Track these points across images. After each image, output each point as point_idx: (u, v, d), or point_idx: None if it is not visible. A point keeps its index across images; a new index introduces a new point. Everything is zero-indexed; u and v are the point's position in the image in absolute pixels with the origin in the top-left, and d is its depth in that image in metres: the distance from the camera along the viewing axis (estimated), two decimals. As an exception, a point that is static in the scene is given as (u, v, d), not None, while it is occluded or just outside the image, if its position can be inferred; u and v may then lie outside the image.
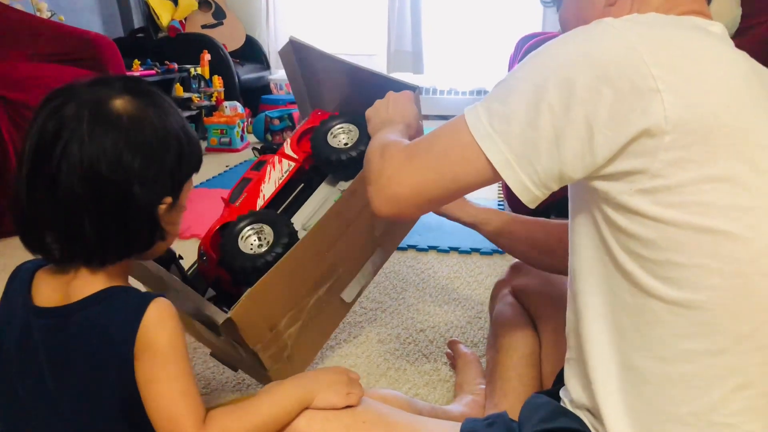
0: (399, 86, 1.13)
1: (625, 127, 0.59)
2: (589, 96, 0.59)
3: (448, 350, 1.33)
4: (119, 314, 0.67)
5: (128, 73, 2.94)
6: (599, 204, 0.65)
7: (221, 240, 1.16)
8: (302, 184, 1.30)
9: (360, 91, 1.27)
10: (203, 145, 3.67)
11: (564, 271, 0.76)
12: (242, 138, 3.61)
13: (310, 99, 1.44)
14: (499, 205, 2.46)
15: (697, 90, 0.59)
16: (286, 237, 1.12)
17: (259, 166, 1.29)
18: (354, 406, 0.78)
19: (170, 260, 1.13)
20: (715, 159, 0.58)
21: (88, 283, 0.68)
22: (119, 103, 0.66)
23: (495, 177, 0.66)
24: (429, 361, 1.32)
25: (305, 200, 1.29)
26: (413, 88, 1.12)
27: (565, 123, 0.61)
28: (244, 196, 1.23)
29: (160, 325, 0.67)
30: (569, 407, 0.74)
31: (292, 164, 1.24)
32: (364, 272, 1.22)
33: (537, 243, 1.06)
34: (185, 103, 3.69)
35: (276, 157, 1.27)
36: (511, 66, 2.96)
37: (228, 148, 3.52)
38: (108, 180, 0.64)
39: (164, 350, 0.67)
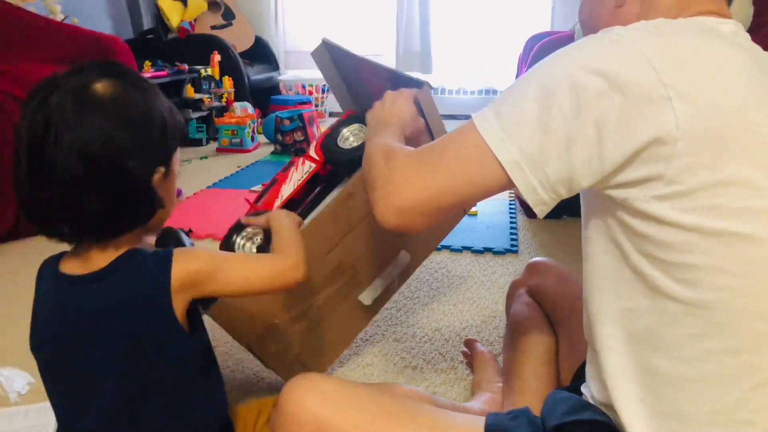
0: (408, 82, 1.12)
1: (635, 134, 0.59)
2: (600, 101, 0.60)
3: (465, 349, 1.34)
4: (147, 267, 0.73)
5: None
6: (614, 210, 0.65)
7: (221, 248, 1.19)
8: (322, 185, 1.30)
9: (381, 87, 1.29)
10: (213, 145, 3.69)
11: None
12: (253, 138, 3.63)
13: (354, 100, 1.44)
14: (510, 205, 2.46)
15: (707, 96, 0.60)
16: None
17: (287, 167, 1.30)
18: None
19: (172, 240, 1.16)
20: (727, 163, 0.59)
21: (109, 252, 0.73)
22: (100, 87, 0.70)
23: (507, 182, 0.66)
24: (445, 360, 1.33)
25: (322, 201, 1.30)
26: (420, 84, 1.10)
27: (575, 127, 0.61)
28: (266, 197, 1.24)
29: (189, 259, 0.74)
30: (592, 402, 0.74)
31: (313, 165, 1.25)
32: (385, 275, 1.22)
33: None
34: (196, 104, 3.72)
35: (301, 159, 1.28)
36: (520, 65, 2.96)
37: (239, 148, 3.55)
38: (102, 159, 0.68)
39: (210, 261, 0.75)
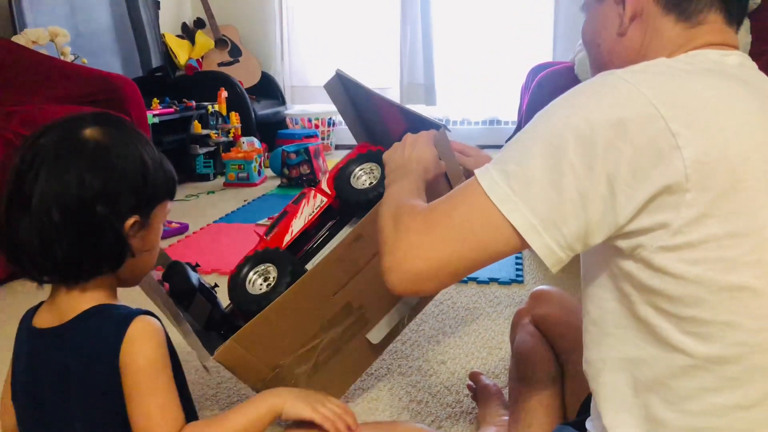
0: (425, 123, 1.10)
1: (646, 185, 0.58)
2: (610, 154, 0.58)
3: (470, 382, 1.32)
4: (104, 331, 0.72)
5: (148, 112, 3.01)
6: (618, 260, 0.63)
7: (230, 284, 1.17)
8: (334, 221, 1.28)
9: (405, 128, 1.26)
10: (221, 180, 3.73)
11: None
12: (259, 173, 3.67)
13: (365, 132, 1.44)
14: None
15: (717, 143, 0.58)
16: (290, 275, 1.12)
17: (299, 199, 1.29)
18: (320, 423, 0.80)
19: (194, 291, 1.15)
20: (737, 214, 0.58)
21: (76, 303, 0.74)
22: (88, 132, 0.72)
23: (519, 242, 0.62)
24: (451, 393, 1.32)
25: (331, 239, 1.28)
26: (437, 126, 1.07)
27: (589, 184, 0.59)
28: (276, 230, 1.23)
29: (140, 342, 0.71)
30: (597, 438, 0.73)
31: (324, 200, 1.23)
32: (394, 313, 1.20)
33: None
34: (203, 140, 3.77)
35: (313, 192, 1.26)
36: (522, 95, 2.99)
37: (246, 182, 3.58)
38: (73, 200, 0.69)
39: (144, 366, 0.71)
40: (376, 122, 1.39)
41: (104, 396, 0.72)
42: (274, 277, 1.14)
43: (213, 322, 1.20)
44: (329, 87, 1.37)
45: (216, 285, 1.18)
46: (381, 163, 1.20)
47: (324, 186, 1.26)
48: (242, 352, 1.04)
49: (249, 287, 1.16)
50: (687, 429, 0.62)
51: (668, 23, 0.70)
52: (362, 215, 1.24)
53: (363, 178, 1.23)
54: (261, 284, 1.16)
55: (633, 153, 0.58)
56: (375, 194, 1.19)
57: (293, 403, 0.80)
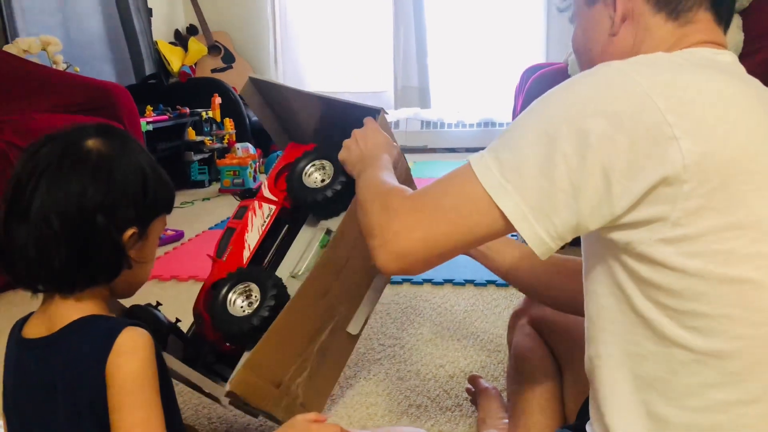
0: (363, 110, 1.11)
1: (643, 176, 0.57)
2: (604, 145, 0.58)
3: (469, 386, 1.32)
4: (92, 342, 0.71)
5: (142, 119, 3.01)
6: (616, 253, 0.63)
7: (209, 306, 1.13)
8: (287, 226, 1.26)
9: (331, 120, 1.26)
10: (216, 187, 3.72)
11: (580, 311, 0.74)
12: (254, 178, 3.65)
13: (287, 133, 1.42)
14: (512, 237, 2.46)
15: (714, 135, 0.58)
16: (273, 298, 1.09)
17: (240, 213, 1.24)
18: None
19: (167, 332, 1.11)
20: (736, 206, 0.58)
21: (67, 313, 0.73)
22: (90, 143, 0.73)
23: (508, 228, 0.64)
24: (450, 397, 1.32)
25: (290, 243, 1.26)
26: (376, 111, 1.10)
27: (582, 174, 0.59)
28: (230, 249, 1.19)
29: (128, 354, 0.70)
30: (596, 442, 0.73)
31: (273, 207, 1.22)
32: (366, 301, 1.21)
33: (552, 284, 1.02)
34: (198, 146, 3.77)
35: (256, 202, 1.24)
36: (516, 97, 3.00)
37: (241, 188, 3.57)
38: (73, 210, 0.70)
39: (129, 379, 0.70)
40: (297, 121, 1.36)
41: (91, 407, 0.71)
42: (256, 297, 1.12)
43: (188, 358, 1.15)
44: (246, 94, 1.33)
45: (178, 320, 1.14)
46: (330, 159, 1.20)
47: (267, 193, 1.24)
48: (254, 379, 1.02)
49: (230, 308, 1.12)
50: (689, 425, 0.62)
51: (659, 21, 0.71)
52: (321, 213, 1.22)
53: (315, 175, 1.21)
54: (242, 304, 1.12)
55: (629, 144, 0.57)
56: (331, 193, 1.17)
57: None
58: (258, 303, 1.10)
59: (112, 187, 0.72)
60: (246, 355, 1.08)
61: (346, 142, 1.04)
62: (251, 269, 1.17)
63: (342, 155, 1.04)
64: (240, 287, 1.13)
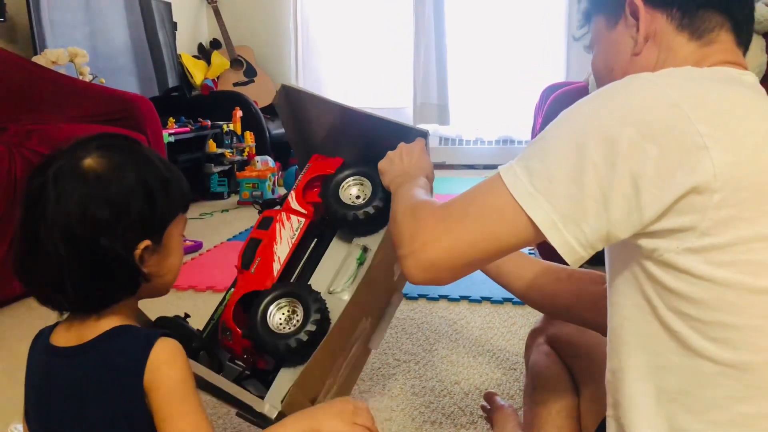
0: (407, 131, 1.09)
1: (673, 185, 0.57)
2: (634, 153, 0.58)
3: (484, 403, 1.31)
4: (126, 353, 0.71)
5: (164, 131, 3.05)
6: (642, 261, 0.63)
7: (249, 321, 1.08)
8: (315, 239, 1.22)
9: (360, 134, 1.22)
10: (235, 199, 3.75)
11: (599, 327, 0.74)
12: (273, 191, 3.69)
13: (308, 145, 1.36)
14: (529, 252, 2.45)
15: (745, 146, 0.58)
16: (317, 313, 1.06)
17: (265, 223, 1.19)
18: None
19: (200, 347, 1.07)
20: (766, 216, 0.57)
21: (97, 324, 0.73)
22: (88, 162, 0.71)
23: (537, 237, 0.64)
24: (465, 414, 1.31)
25: (319, 257, 1.22)
26: (423, 134, 1.08)
27: (611, 181, 0.59)
28: (258, 260, 1.15)
29: (168, 364, 0.71)
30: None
31: (303, 220, 1.18)
32: (385, 317, 1.20)
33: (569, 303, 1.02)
34: (218, 159, 3.81)
35: (283, 214, 1.18)
36: (536, 115, 3.00)
37: (262, 199, 3.60)
38: (77, 234, 0.68)
39: (174, 388, 0.70)
40: (319, 132, 1.30)
41: (126, 417, 0.71)
42: (297, 313, 1.08)
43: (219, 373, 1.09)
44: (277, 102, 1.26)
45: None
46: (368, 176, 1.17)
47: (295, 205, 1.19)
48: (301, 398, 1.00)
49: (270, 322, 1.08)
50: None
51: (682, 41, 0.71)
52: (356, 230, 1.19)
53: (352, 189, 1.18)
54: (281, 319, 1.08)
55: (659, 153, 0.58)
56: (373, 210, 1.13)
57: (331, 423, 0.80)
58: (302, 319, 1.06)
59: (113, 207, 0.70)
60: (287, 373, 1.05)
61: (390, 154, 1.04)
62: (294, 285, 1.12)
63: (383, 165, 1.04)
64: (283, 301, 1.09)
